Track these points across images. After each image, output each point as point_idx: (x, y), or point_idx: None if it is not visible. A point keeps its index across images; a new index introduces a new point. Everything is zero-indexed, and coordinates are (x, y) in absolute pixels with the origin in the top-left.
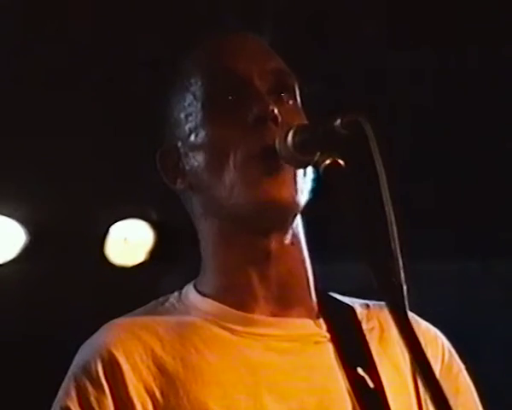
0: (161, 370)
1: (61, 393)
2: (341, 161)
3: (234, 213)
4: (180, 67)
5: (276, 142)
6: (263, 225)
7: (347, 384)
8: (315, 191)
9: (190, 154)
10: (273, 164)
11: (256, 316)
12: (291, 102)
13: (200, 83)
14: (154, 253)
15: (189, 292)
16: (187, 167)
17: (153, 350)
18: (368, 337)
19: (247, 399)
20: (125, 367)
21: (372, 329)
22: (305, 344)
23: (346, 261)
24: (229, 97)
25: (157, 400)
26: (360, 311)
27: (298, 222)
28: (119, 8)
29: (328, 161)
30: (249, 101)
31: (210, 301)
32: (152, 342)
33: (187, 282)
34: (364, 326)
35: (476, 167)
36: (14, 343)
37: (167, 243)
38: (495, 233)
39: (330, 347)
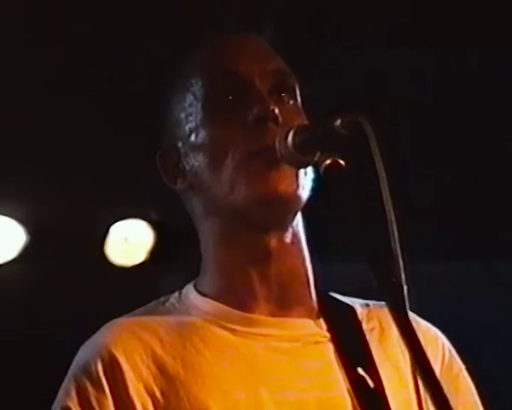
0: (161, 370)
1: (61, 393)
2: (341, 162)
3: (234, 210)
4: (181, 67)
5: (277, 142)
6: (263, 220)
7: (348, 384)
8: (315, 191)
9: (191, 154)
10: (273, 160)
11: (256, 316)
12: (291, 102)
13: (200, 83)
14: (154, 253)
15: (190, 292)
16: (187, 167)
17: (153, 350)
18: (368, 337)
19: (248, 399)
20: (126, 367)
21: (372, 329)
22: (305, 344)
23: (346, 261)
24: (230, 97)
25: (157, 400)
26: (360, 311)
27: (298, 221)
28: (119, 8)
29: (328, 162)
30: (250, 101)
31: (210, 301)
32: (152, 342)
33: (187, 282)
34: (365, 326)
35: (476, 167)
36: (14, 343)
37: (167, 243)
38: (496, 233)
39: (330, 347)
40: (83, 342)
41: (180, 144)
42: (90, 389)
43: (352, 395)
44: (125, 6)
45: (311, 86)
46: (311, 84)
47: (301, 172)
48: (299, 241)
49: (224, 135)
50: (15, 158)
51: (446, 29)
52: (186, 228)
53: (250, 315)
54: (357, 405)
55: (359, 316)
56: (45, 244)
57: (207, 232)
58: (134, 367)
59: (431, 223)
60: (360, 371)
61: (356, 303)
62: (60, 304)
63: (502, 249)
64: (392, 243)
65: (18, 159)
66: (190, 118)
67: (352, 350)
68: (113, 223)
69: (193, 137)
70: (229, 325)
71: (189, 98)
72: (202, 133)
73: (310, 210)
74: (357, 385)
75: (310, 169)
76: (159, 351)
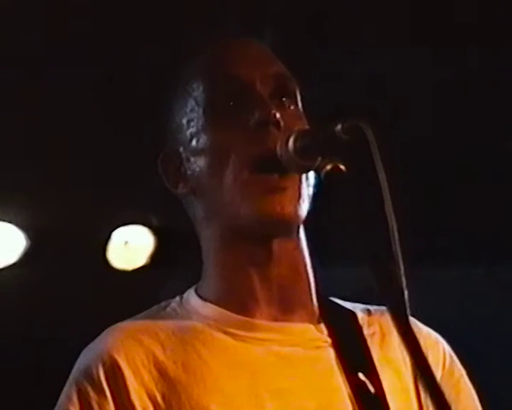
0: (163, 375)
1: (62, 397)
2: (343, 167)
3: (234, 221)
4: (182, 71)
5: (278, 146)
6: (264, 235)
7: (348, 389)
8: (316, 196)
9: (192, 158)
10: (276, 179)
11: (258, 321)
12: (292, 107)
13: (201, 88)
14: (155, 258)
15: (191, 297)
16: (188, 172)
17: (154, 355)
18: (369, 342)
19: (249, 403)
20: (127, 372)
21: (373, 334)
22: (306, 349)
23: (346, 266)
24: (231, 102)
25: (159, 404)
26: (361, 316)
27: (299, 226)
28: (120, 8)
29: (329, 167)
30: (251, 105)
31: (211, 305)
32: (153, 346)
33: (188, 287)
34: (366, 331)
35: (478, 171)
36: (14, 347)
37: (168, 247)
38: (498, 238)
39: (331, 352)
40: (83, 346)
41: (182, 149)
42: (92, 393)
43: (353, 401)
44: (126, 6)
45: (312, 90)
46: (312, 87)
47: (304, 184)
48: (300, 245)
49: (225, 140)
50: (15, 163)
51: (446, 29)
52: (186, 233)
53: (251, 320)
54: None
55: (360, 321)
56: (45, 249)
57: (208, 237)
58: (135, 372)
59: (433, 228)
60: (361, 376)
61: (357, 308)
62: (60, 308)
63: (503, 254)
64: (394, 248)
65: (18, 164)
66: (192, 123)
67: (353, 355)
68: (115, 229)
69: (194, 142)
70: (231, 330)
71: (191, 103)
72: (203, 138)
73: (310, 215)
74: (358, 390)
75: (311, 174)
76: (160, 356)
